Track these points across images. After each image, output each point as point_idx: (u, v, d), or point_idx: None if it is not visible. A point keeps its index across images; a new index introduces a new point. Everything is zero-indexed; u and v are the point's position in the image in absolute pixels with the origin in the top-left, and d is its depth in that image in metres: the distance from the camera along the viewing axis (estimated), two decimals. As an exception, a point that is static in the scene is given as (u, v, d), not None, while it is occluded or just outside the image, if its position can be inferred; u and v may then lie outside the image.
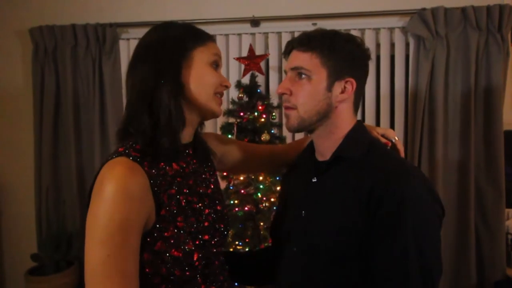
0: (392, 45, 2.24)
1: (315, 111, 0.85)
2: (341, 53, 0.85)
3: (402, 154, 0.95)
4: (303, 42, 0.85)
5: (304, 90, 0.84)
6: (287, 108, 0.87)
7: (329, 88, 0.85)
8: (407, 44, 2.22)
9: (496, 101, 2.10)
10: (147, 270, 0.75)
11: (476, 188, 2.17)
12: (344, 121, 0.88)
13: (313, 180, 0.89)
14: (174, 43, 0.80)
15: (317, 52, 0.84)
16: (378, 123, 2.29)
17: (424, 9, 2.10)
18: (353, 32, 2.22)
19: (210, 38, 0.85)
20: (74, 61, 2.44)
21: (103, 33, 2.37)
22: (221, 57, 0.87)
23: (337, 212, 0.82)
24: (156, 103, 0.78)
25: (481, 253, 2.20)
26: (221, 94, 0.87)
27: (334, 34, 0.87)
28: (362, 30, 2.23)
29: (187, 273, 0.77)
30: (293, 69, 0.86)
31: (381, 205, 0.76)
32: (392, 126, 2.28)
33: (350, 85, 0.86)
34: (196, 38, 0.82)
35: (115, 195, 0.68)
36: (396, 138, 0.97)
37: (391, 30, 2.22)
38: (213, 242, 0.84)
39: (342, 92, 0.85)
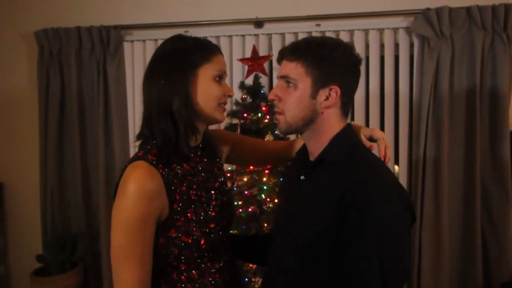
0: (397, 45, 2.23)
1: (300, 117, 0.90)
2: (326, 62, 0.88)
3: (382, 154, 0.97)
4: (290, 51, 0.91)
5: (290, 97, 0.90)
6: (276, 113, 0.94)
7: (313, 95, 0.89)
8: (412, 44, 2.21)
9: (502, 101, 2.08)
10: (162, 251, 0.90)
11: (482, 189, 2.15)
12: (330, 125, 0.92)
13: (301, 178, 0.95)
14: (182, 60, 0.91)
15: (302, 62, 0.88)
16: (382, 123, 2.28)
17: (428, 9, 2.09)
18: (357, 33, 2.22)
19: (215, 52, 0.94)
20: (79, 63, 2.46)
21: (108, 35, 2.38)
22: (225, 69, 0.96)
23: (315, 211, 0.87)
24: (171, 114, 0.90)
25: (488, 255, 2.17)
26: (225, 103, 0.97)
27: (320, 43, 0.90)
28: (366, 31, 2.23)
29: (195, 255, 0.93)
30: (281, 77, 0.92)
31: (348, 211, 0.80)
32: (396, 126, 2.27)
33: (335, 93, 0.89)
34: (201, 55, 0.92)
35: (135, 194, 0.84)
36: (381, 138, 0.99)
37: (395, 30, 2.21)
38: (218, 229, 0.97)
39: (327, 99, 0.89)
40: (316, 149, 0.93)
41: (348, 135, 0.93)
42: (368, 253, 0.78)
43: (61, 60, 2.48)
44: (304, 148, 1.01)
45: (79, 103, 2.48)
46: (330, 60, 0.88)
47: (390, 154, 0.99)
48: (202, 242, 0.92)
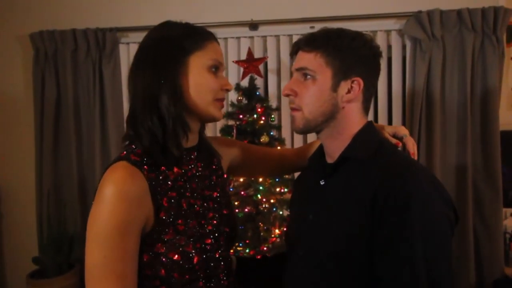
0: (389, 47, 2.27)
1: (320, 112, 0.83)
2: (347, 52, 0.82)
3: (412, 151, 0.91)
4: (308, 42, 0.84)
5: (308, 91, 0.83)
6: (292, 109, 0.86)
7: (334, 88, 0.82)
8: (404, 46, 2.25)
9: (492, 101, 2.12)
10: (147, 272, 0.77)
11: (474, 188, 2.19)
12: (352, 121, 0.85)
13: (321, 183, 0.88)
14: (170, 48, 0.79)
15: (321, 52, 0.82)
16: (376, 125, 2.31)
17: (420, 12, 2.13)
18: (351, 35, 2.25)
19: (209, 38, 0.83)
20: (74, 65, 2.46)
21: (103, 38, 2.39)
22: (221, 60, 0.84)
23: (343, 215, 0.80)
24: (158, 109, 0.78)
25: (480, 253, 2.21)
26: (222, 99, 0.85)
27: (339, 33, 0.84)
28: (359, 33, 2.26)
29: (187, 277, 0.77)
30: (298, 69, 0.85)
31: (387, 205, 0.72)
32: (390, 127, 2.30)
33: (357, 85, 0.83)
34: (192, 41, 0.80)
35: (113, 198, 0.71)
36: (407, 135, 0.94)
37: (387, 32, 2.25)
38: (216, 246, 0.84)
39: (349, 92, 0.83)
40: (336, 148, 0.86)
41: (372, 132, 0.87)
42: (413, 257, 0.70)
43: (56, 62, 2.48)
44: (318, 152, 0.94)
45: (75, 105, 2.48)
46: (351, 50, 0.82)
47: (416, 151, 0.93)
48: (195, 261, 0.77)
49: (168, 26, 0.84)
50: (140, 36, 0.85)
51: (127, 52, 2.45)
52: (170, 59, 0.78)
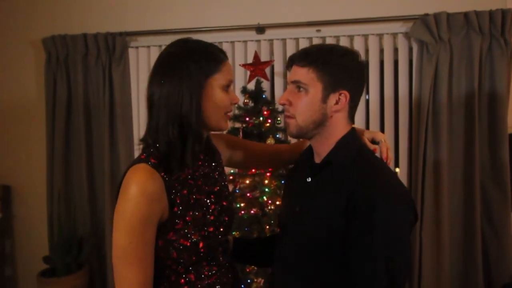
0: (396, 50, 2.27)
1: (311, 120, 0.94)
2: (336, 68, 0.92)
3: (385, 155, 1.02)
4: (302, 57, 0.94)
5: (301, 101, 0.93)
6: (287, 117, 0.97)
7: (324, 100, 0.93)
8: (411, 49, 2.25)
9: (500, 104, 2.10)
10: (161, 254, 0.92)
11: (482, 191, 2.18)
12: (338, 128, 0.96)
13: (308, 180, 0.99)
14: (194, 69, 0.90)
15: (313, 67, 0.92)
16: (382, 127, 2.31)
17: (426, 15, 2.13)
18: (357, 38, 2.26)
19: (224, 59, 0.95)
20: (85, 69, 2.52)
21: (113, 42, 2.44)
22: (232, 78, 0.98)
23: (323, 211, 0.92)
24: (180, 120, 0.90)
25: (488, 257, 2.19)
26: (231, 111, 0.98)
27: (330, 50, 0.95)
28: (366, 36, 2.27)
29: (193, 258, 0.94)
30: (293, 82, 0.95)
31: (357, 210, 0.85)
32: (396, 130, 2.30)
33: (344, 97, 0.93)
34: (212, 66, 0.92)
35: (137, 195, 0.86)
36: (383, 141, 1.04)
37: (394, 35, 2.25)
38: (217, 233, 0.99)
39: (336, 103, 0.93)
40: (323, 151, 0.97)
41: (353, 139, 0.98)
42: (375, 251, 0.83)
43: (68, 66, 2.54)
44: (309, 150, 1.05)
45: (85, 108, 2.54)
46: (340, 66, 0.92)
47: (391, 155, 1.04)
48: (201, 245, 0.93)
49: (190, 44, 0.94)
50: (148, 40, 0.91)
51: (136, 56, 2.50)
52: (193, 77, 0.90)
